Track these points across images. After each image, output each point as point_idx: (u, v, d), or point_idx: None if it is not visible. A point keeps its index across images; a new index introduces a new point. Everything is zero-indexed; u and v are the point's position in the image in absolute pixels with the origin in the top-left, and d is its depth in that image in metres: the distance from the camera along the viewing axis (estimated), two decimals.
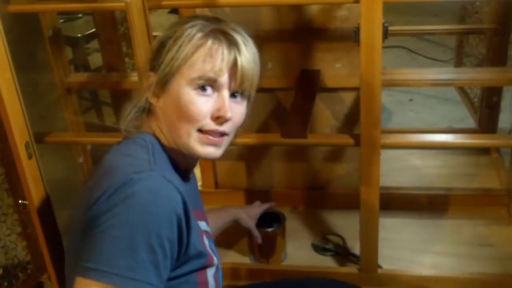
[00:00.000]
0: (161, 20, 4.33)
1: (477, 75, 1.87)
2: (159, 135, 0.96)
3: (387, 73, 1.74)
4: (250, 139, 1.58)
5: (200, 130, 0.92)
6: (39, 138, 1.58)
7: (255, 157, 1.98)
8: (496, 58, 2.03)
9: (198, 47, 0.90)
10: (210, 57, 0.89)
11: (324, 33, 1.72)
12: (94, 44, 2.92)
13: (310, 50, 1.75)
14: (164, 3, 1.45)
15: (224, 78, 0.91)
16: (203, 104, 0.90)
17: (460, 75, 1.92)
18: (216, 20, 0.95)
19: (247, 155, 1.98)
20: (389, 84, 1.87)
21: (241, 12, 1.72)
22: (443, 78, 1.79)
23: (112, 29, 2.22)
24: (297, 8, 1.69)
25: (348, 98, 1.82)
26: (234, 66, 0.91)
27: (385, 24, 1.30)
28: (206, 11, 1.74)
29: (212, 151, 0.94)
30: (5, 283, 1.44)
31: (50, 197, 1.42)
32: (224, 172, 2.02)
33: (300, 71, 1.76)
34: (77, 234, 0.87)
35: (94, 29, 2.62)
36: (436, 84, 1.83)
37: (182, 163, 0.99)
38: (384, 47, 1.32)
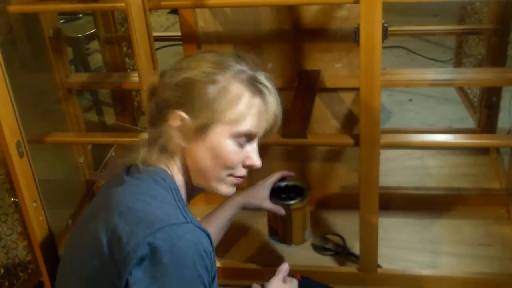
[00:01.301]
0: (161, 20, 4.33)
1: (476, 75, 1.87)
2: (176, 174, 0.98)
3: (386, 73, 1.74)
4: None
5: (230, 175, 0.98)
6: (39, 138, 1.59)
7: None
8: (495, 59, 2.03)
9: (248, 106, 0.94)
10: (257, 117, 0.95)
11: (324, 33, 1.72)
12: (95, 44, 2.92)
13: (310, 50, 1.75)
14: (164, 3, 1.46)
15: (261, 131, 0.98)
16: (240, 155, 0.97)
17: (460, 75, 1.92)
18: (247, 62, 0.97)
19: None
20: (389, 85, 1.88)
21: (241, 12, 1.72)
22: (442, 78, 1.79)
23: (112, 29, 2.23)
24: (297, 8, 1.70)
25: (348, 98, 1.82)
26: (272, 117, 0.98)
27: (385, 25, 1.30)
28: (206, 11, 1.74)
29: (234, 189, 1.02)
30: (6, 283, 1.44)
31: (42, 196, 1.43)
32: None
33: (300, 71, 1.77)
34: (91, 270, 0.90)
35: (94, 30, 2.63)
36: (435, 84, 1.84)
37: (187, 199, 1.04)
38: (383, 47, 1.33)
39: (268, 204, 1.42)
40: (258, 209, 1.43)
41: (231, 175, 0.98)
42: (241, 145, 0.96)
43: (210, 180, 0.98)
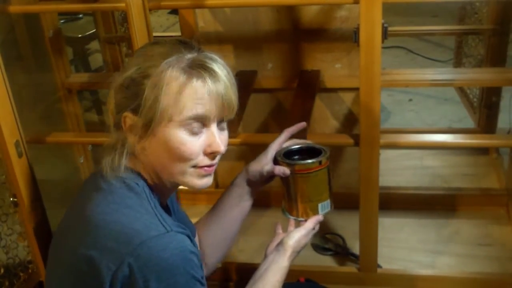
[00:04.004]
0: (161, 21, 4.33)
1: (476, 76, 1.87)
2: (145, 174, 0.95)
3: (386, 73, 1.74)
4: (250, 139, 1.58)
5: (194, 166, 0.93)
6: (40, 138, 1.59)
7: (255, 157, 1.98)
8: (495, 59, 2.04)
9: (183, 88, 0.88)
10: (197, 97, 0.89)
11: (324, 33, 1.72)
12: (95, 44, 2.92)
13: (310, 50, 1.76)
14: (164, 3, 1.46)
15: (212, 114, 0.91)
16: (195, 144, 0.91)
17: (459, 75, 1.92)
18: (187, 46, 0.92)
19: (247, 155, 1.98)
20: (389, 85, 1.88)
21: (241, 12, 1.72)
22: (442, 78, 1.79)
23: (112, 29, 2.23)
24: (297, 8, 1.70)
25: (347, 98, 1.82)
26: (219, 98, 0.90)
27: (385, 25, 1.30)
28: (206, 11, 1.74)
29: (208, 180, 0.96)
30: (6, 283, 1.44)
31: (41, 195, 1.43)
32: (224, 172, 2.02)
33: (300, 72, 1.77)
34: (68, 275, 0.90)
35: (94, 30, 2.63)
36: (435, 84, 1.84)
37: (165, 196, 1.02)
38: (383, 48, 1.33)
39: (269, 166, 1.14)
40: (260, 177, 1.16)
41: (194, 166, 0.93)
42: (195, 133, 0.90)
43: (175, 175, 0.93)
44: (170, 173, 0.93)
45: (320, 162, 1.10)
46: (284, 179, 1.12)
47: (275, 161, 1.14)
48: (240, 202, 1.19)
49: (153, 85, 0.88)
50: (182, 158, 0.91)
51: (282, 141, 1.18)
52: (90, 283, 0.85)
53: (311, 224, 1.11)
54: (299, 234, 1.10)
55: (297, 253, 1.11)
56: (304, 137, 1.26)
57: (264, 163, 1.15)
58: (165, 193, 1.00)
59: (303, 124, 1.20)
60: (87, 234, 0.87)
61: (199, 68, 0.89)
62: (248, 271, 1.67)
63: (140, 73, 0.90)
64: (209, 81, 0.89)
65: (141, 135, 0.91)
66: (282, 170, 1.11)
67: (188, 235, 0.89)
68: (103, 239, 0.85)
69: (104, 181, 0.93)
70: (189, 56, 0.90)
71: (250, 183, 1.17)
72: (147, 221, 0.87)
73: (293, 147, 1.17)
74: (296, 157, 1.15)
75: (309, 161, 1.10)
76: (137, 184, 0.92)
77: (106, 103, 0.93)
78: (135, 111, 0.90)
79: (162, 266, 0.83)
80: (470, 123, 2.34)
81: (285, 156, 1.14)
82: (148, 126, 0.90)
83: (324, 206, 1.16)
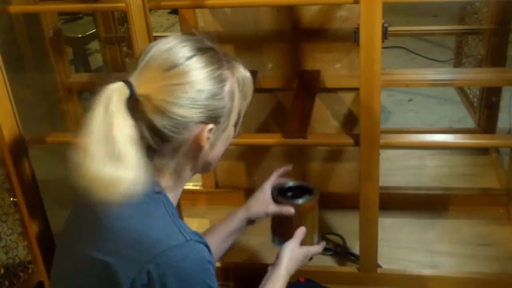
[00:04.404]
0: (161, 21, 4.34)
1: (476, 75, 1.87)
2: (163, 182, 0.93)
3: (386, 73, 1.75)
4: (250, 139, 1.58)
5: None
6: (40, 138, 1.59)
7: (255, 157, 1.99)
8: (495, 59, 2.04)
9: (245, 83, 0.97)
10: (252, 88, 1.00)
11: (324, 33, 1.72)
12: (95, 44, 2.93)
13: (310, 50, 1.76)
14: (164, 3, 1.46)
15: None
16: None
17: (460, 75, 1.92)
18: (211, 48, 0.95)
19: (247, 155, 1.99)
20: (389, 85, 1.88)
21: (241, 12, 1.72)
22: (442, 78, 1.80)
23: (112, 29, 2.23)
24: (297, 8, 1.70)
25: (347, 98, 1.82)
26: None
27: (385, 25, 1.30)
28: (206, 11, 1.74)
29: None
30: (6, 283, 1.44)
31: (41, 195, 1.43)
32: (224, 172, 2.03)
33: (300, 71, 1.77)
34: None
35: (94, 30, 2.63)
36: (435, 84, 1.84)
37: (175, 204, 1.01)
38: (383, 48, 1.33)
39: (274, 207, 1.25)
40: (265, 216, 1.27)
41: None
42: None
43: (214, 164, 0.99)
44: (212, 164, 0.98)
45: (317, 199, 1.30)
46: (289, 216, 1.25)
47: (275, 200, 1.27)
48: (234, 235, 1.27)
49: (229, 92, 0.92)
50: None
51: (273, 181, 1.30)
52: None
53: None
54: (292, 243, 1.19)
55: (296, 262, 1.18)
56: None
57: (267, 203, 1.26)
58: (175, 201, 1.00)
59: (289, 167, 1.35)
60: (103, 240, 0.87)
61: (234, 61, 0.97)
62: (248, 271, 1.68)
63: (217, 87, 0.90)
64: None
65: (214, 142, 0.93)
66: (289, 210, 1.24)
67: (205, 244, 0.89)
68: (121, 246, 0.85)
69: None
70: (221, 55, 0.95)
71: (249, 221, 1.27)
72: (167, 229, 0.87)
73: (284, 186, 1.32)
74: (289, 194, 1.31)
75: (309, 198, 1.28)
76: (155, 192, 0.91)
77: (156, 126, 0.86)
78: (213, 121, 0.90)
79: (181, 276, 0.83)
80: (470, 123, 2.34)
81: (280, 194, 1.28)
82: (224, 131, 0.94)
83: (316, 236, 1.34)
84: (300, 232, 1.22)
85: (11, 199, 1.41)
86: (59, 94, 1.91)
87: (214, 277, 0.90)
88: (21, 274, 1.49)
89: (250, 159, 1.99)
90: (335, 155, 1.94)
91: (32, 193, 1.41)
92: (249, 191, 1.97)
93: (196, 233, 0.90)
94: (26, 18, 1.75)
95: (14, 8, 1.49)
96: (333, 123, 1.87)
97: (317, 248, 1.25)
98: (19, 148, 1.36)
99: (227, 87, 0.91)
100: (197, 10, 1.74)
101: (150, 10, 1.37)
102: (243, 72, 0.97)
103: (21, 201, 1.38)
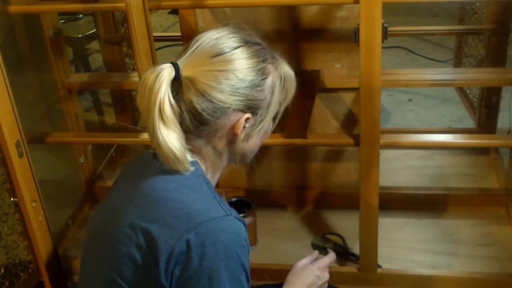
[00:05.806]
0: (161, 21, 4.34)
1: (476, 76, 1.87)
2: (202, 164, 0.97)
3: (386, 73, 1.75)
4: None
5: None
6: (40, 138, 1.59)
7: (255, 157, 1.98)
8: (495, 59, 2.04)
9: (286, 78, 1.02)
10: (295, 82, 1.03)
11: (324, 33, 1.72)
12: (95, 44, 2.92)
13: (310, 50, 1.76)
14: (164, 3, 1.46)
15: None
16: None
17: (459, 75, 1.93)
18: (268, 48, 1.02)
19: None
20: (389, 85, 1.88)
21: (241, 12, 1.72)
22: (442, 78, 1.80)
23: (112, 29, 2.23)
24: (297, 8, 1.70)
25: (347, 98, 1.82)
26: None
27: (385, 25, 1.30)
28: (206, 11, 1.74)
29: None
30: (7, 283, 1.44)
31: (42, 196, 1.43)
32: (223, 172, 2.02)
33: (300, 71, 1.77)
34: (122, 258, 0.90)
35: (94, 30, 2.63)
36: (435, 84, 1.84)
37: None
38: (383, 48, 1.33)
39: None
40: None
41: None
42: None
43: (250, 155, 1.02)
44: (250, 155, 1.02)
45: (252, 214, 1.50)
46: None
47: None
48: None
49: (271, 90, 0.96)
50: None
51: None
52: (146, 256, 0.87)
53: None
54: (302, 261, 1.21)
55: (305, 276, 1.17)
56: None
57: None
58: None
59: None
60: (146, 209, 0.90)
61: (280, 58, 1.01)
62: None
63: (260, 77, 0.94)
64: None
65: (250, 132, 0.96)
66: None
67: (244, 223, 0.92)
68: (163, 214, 0.88)
69: (161, 163, 0.93)
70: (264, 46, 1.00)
71: None
72: (208, 202, 0.91)
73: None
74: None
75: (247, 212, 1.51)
76: (196, 169, 0.95)
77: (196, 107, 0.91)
78: (252, 111, 0.94)
79: (218, 247, 0.86)
80: (470, 123, 2.34)
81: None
82: (260, 123, 0.96)
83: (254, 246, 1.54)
84: (313, 253, 1.26)
85: (11, 199, 1.41)
86: (59, 94, 1.91)
87: (248, 258, 0.91)
88: (21, 274, 1.49)
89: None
90: (335, 155, 1.94)
91: (32, 193, 1.41)
92: (249, 191, 2.00)
93: (236, 213, 0.93)
94: (26, 18, 1.75)
95: (14, 8, 1.49)
96: (333, 123, 1.87)
97: (326, 258, 1.24)
98: (19, 148, 1.36)
99: (268, 80, 0.95)
100: (197, 10, 1.74)
101: (150, 10, 1.37)
102: (287, 70, 1.01)
103: (21, 201, 1.38)
